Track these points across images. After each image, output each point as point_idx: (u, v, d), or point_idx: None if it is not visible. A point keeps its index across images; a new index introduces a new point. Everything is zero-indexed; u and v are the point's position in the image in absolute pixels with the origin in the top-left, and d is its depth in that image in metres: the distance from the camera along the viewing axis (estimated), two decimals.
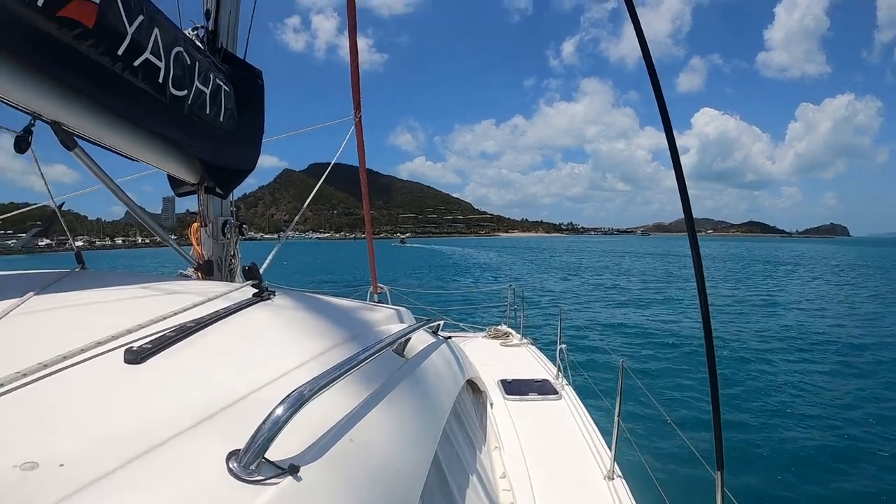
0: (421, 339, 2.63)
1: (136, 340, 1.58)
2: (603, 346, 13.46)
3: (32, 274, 2.99)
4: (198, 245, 4.62)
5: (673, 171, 2.55)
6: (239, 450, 1.04)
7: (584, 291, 38.83)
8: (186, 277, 4.50)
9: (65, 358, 1.34)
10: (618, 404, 4.74)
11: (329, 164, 6.62)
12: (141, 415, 1.19)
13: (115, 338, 1.55)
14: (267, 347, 1.84)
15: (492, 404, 4.65)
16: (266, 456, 1.04)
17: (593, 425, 5.41)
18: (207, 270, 4.54)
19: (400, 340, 2.16)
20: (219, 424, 1.19)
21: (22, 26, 2.34)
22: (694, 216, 2.55)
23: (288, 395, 1.14)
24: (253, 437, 1.03)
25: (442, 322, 3.48)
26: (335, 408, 1.40)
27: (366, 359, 1.54)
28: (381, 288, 9.95)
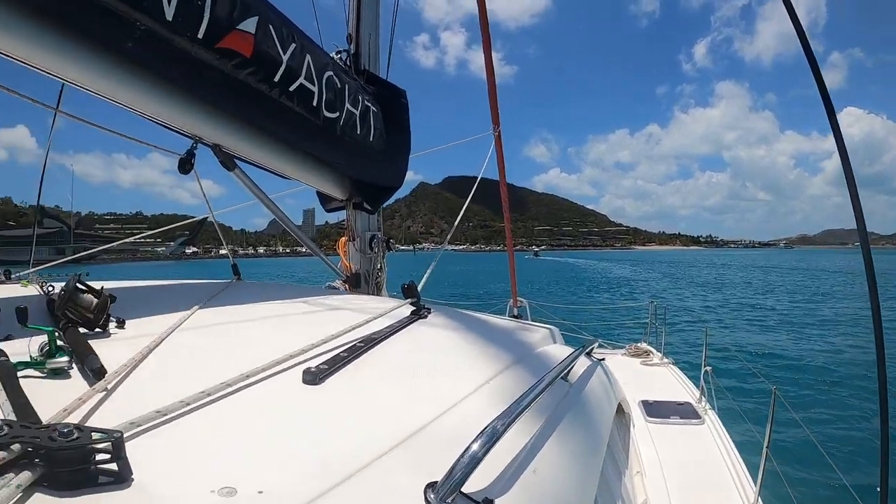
0: (580, 362, 2.59)
1: (310, 359, 1.61)
2: (750, 370, 12.57)
3: (194, 285, 3.14)
4: (346, 258, 4.79)
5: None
6: (436, 482, 1.02)
7: (727, 310, 36.43)
8: (335, 289, 4.65)
9: (246, 377, 1.37)
10: (767, 434, 4.48)
11: (465, 177, 6.75)
12: (329, 439, 1.18)
13: (292, 356, 1.57)
14: (437, 370, 1.82)
15: (633, 426, 4.53)
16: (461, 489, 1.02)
17: (737, 454, 5.07)
18: (355, 283, 4.70)
19: (569, 365, 2.11)
20: (409, 454, 1.16)
21: (185, 58, 2.53)
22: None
23: (483, 431, 1.11)
24: (451, 471, 1.00)
25: (596, 344, 3.42)
26: (515, 437, 1.34)
27: (545, 388, 1.51)
28: (521, 301, 9.80)
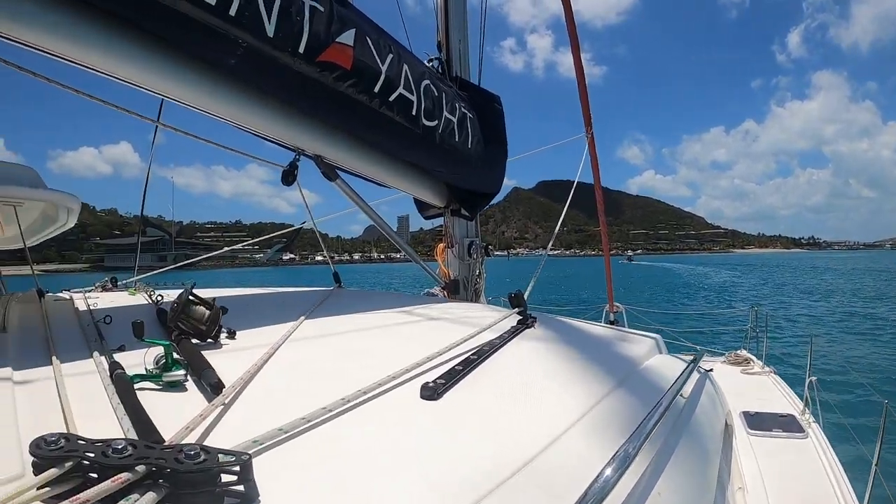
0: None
1: (425, 373, 1.61)
2: (860, 382, 11.81)
3: (298, 293, 3.19)
4: (444, 265, 4.80)
5: None
6: None
7: (834, 317, 34.50)
8: (433, 296, 4.67)
9: (364, 393, 1.37)
10: (876, 451, 4.24)
11: (559, 181, 6.79)
12: (454, 458, 1.15)
13: (407, 370, 1.57)
14: (551, 385, 1.78)
15: (735, 438, 4.39)
16: None
17: (843, 472, 4.82)
18: (454, 289, 4.70)
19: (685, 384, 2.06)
20: (537, 476, 1.13)
21: (287, 72, 2.60)
22: None
23: (615, 455, 1.10)
24: (584, 497, 0.98)
25: (703, 354, 3.32)
26: (639, 458, 1.26)
27: (667, 408, 1.50)
28: (617, 307, 9.63)
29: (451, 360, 1.74)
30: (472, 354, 1.81)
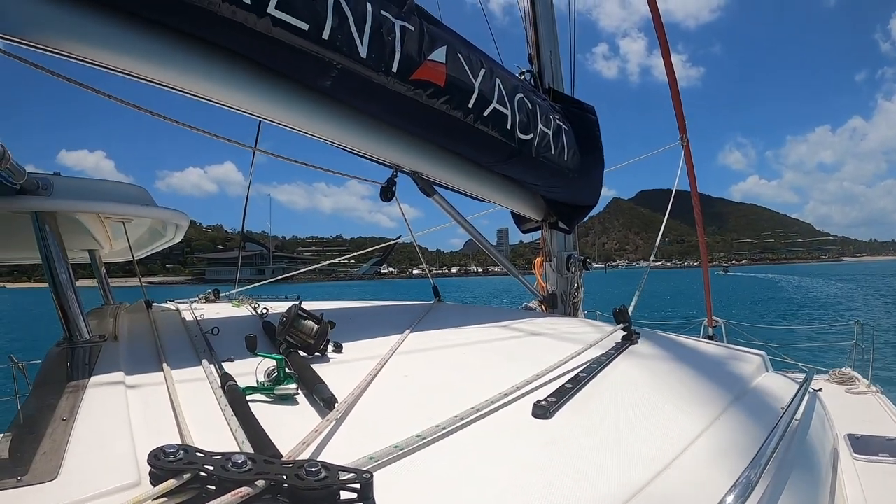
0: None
1: (535, 390, 1.59)
2: None
3: (399, 307, 3.23)
4: (541, 279, 4.76)
5: None
6: None
7: None
8: (531, 310, 4.64)
9: (477, 410, 1.36)
10: None
11: (659, 190, 6.65)
12: (569, 480, 1.12)
13: (518, 388, 1.56)
14: (660, 406, 1.73)
15: (840, 462, 4.17)
16: None
17: None
18: (552, 304, 4.66)
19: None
20: (655, 499, 1.10)
21: (381, 92, 2.63)
22: None
23: (736, 483, 1.08)
24: None
25: (813, 374, 3.20)
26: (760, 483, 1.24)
27: (784, 433, 1.46)
28: (716, 321, 9.36)
29: (559, 377, 1.72)
30: (580, 372, 1.79)
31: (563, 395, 1.52)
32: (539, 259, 4.80)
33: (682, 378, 2.09)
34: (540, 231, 4.87)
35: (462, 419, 1.29)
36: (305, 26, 2.22)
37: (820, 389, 2.93)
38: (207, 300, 3.93)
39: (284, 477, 0.85)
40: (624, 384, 1.86)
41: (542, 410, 1.41)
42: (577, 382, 1.66)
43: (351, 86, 2.56)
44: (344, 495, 0.87)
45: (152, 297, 3.78)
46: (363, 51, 2.45)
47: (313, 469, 0.86)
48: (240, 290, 4.24)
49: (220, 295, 4.08)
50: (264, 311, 2.86)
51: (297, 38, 2.23)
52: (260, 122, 2.93)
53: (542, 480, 1.09)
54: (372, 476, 0.88)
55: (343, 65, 2.42)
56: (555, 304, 4.69)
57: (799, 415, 2.00)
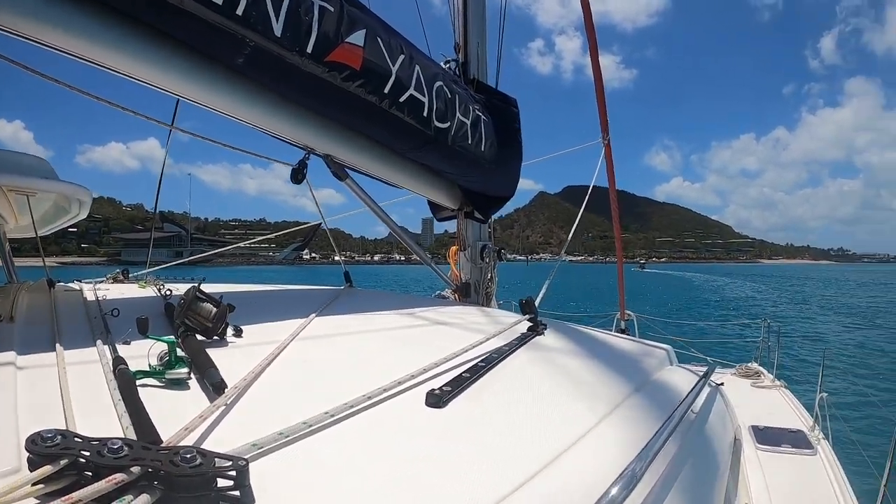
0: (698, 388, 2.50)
1: (431, 379, 1.59)
2: (874, 400, 11.66)
3: (307, 291, 3.20)
4: (456, 268, 4.80)
5: None
6: None
7: (851, 331, 33.92)
8: (444, 298, 4.67)
9: (368, 398, 1.36)
10: (886, 472, 4.18)
11: (585, 186, 6.63)
12: (456, 470, 1.13)
13: (413, 377, 1.56)
14: (559, 396, 1.76)
15: (743, 453, 4.34)
16: None
17: (852, 492, 4.77)
18: (465, 293, 4.70)
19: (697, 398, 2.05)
20: (540, 494, 1.09)
21: (295, 72, 2.61)
22: None
23: (622, 474, 1.10)
24: None
25: (716, 368, 3.30)
26: (647, 476, 1.26)
27: (676, 425, 1.48)
28: (629, 315, 9.62)
29: (458, 366, 1.73)
30: (479, 361, 1.80)
31: (458, 385, 1.53)
32: (454, 248, 4.83)
33: (583, 370, 2.12)
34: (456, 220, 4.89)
35: (352, 406, 1.29)
36: (220, 0, 2.18)
37: (721, 384, 3.01)
38: (115, 280, 3.80)
39: (160, 463, 0.84)
40: (523, 375, 1.88)
41: (435, 399, 1.41)
42: (475, 372, 1.67)
43: (264, 64, 2.52)
44: (221, 482, 0.86)
45: (66, 277, 3.66)
46: (278, 29, 2.41)
47: (188, 455, 0.85)
48: (151, 270, 4.14)
49: (129, 276, 3.97)
50: (168, 292, 2.81)
51: (211, 13, 2.19)
52: (178, 101, 2.86)
53: (427, 470, 1.10)
54: (248, 463, 0.88)
55: (256, 42, 2.38)
56: (468, 294, 4.73)
57: (697, 407, 2.07)
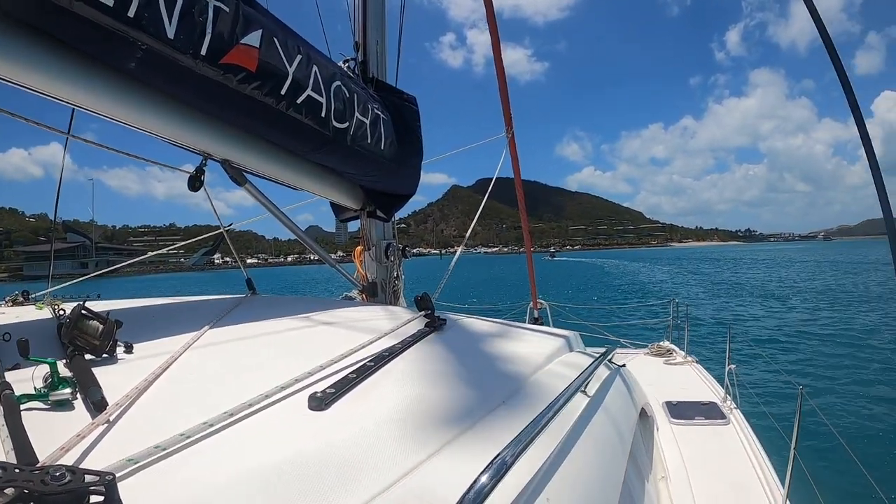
0: (599, 371, 2.53)
1: (317, 382, 1.60)
2: (778, 369, 12.30)
3: (206, 301, 3.15)
4: (361, 268, 4.84)
5: (860, 165, 2.20)
6: None
7: (755, 306, 35.45)
8: (351, 299, 4.69)
9: (250, 405, 1.36)
10: (794, 436, 4.40)
11: (498, 179, 6.73)
12: (330, 470, 1.14)
13: (297, 381, 1.55)
14: (450, 390, 1.77)
15: (657, 428, 4.48)
16: None
17: (765, 457, 4.93)
18: (371, 292, 4.74)
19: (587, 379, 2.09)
20: (412, 487, 1.13)
21: (189, 75, 2.56)
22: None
23: (491, 462, 1.11)
24: None
25: (616, 349, 3.37)
26: (528, 462, 1.29)
27: (559, 409, 1.51)
28: (541, 304, 9.77)
29: (346, 367, 1.74)
30: (368, 361, 1.81)
31: (343, 386, 1.54)
32: (359, 248, 4.87)
33: (477, 363, 2.16)
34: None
35: (232, 415, 1.29)
36: (111, 2, 2.12)
37: (623, 364, 3.11)
38: (14, 303, 3.65)
39: (32, 483, 0.85)
40: (415, 372, 1.89)
41: (318, 402, 1.42)
42: (362, 372, 1.69)
43: (157, 68, 2.46)
44: (93, 499, 0.88)
45: None
46: (171, 31, 2.36)
47: (58, 474, 0.87)
48: (52, 289, 4.01)
49: (30, 297, 3.80)
50: (62, 311, 2.75)
51: (101, 15, 2.12)
52: (74, 109, 2.77)
53: (306, 473, 1.12)
54: (115, 478, 0.89)
55: (148, 45, 2.32)
56: (375, 293, 4.76)
57: (593, 390, 2.15)
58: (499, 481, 1.06)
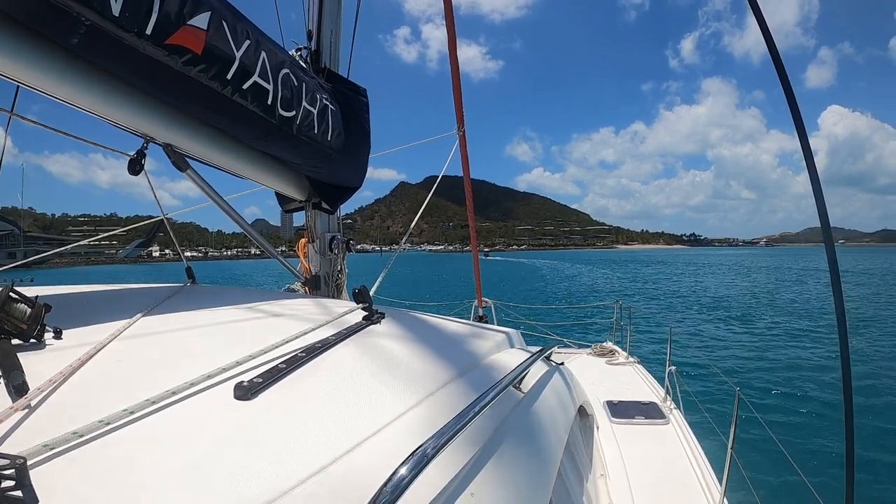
0: (536, 368, 2.53)
1: (246, 371, 1.59)
2: (717, 370, 12.73)
3: (144, 289, 3.10)
4: (305, 260, 4.82)
5: (804, 176, 2.30)
6: None
7: (696, 310, 36.44)
8: (294, 292, 4.66)
9: (173, 393, 1.34)
10: (731, 435, 4.52)
11: (446, 177, 6.79)
12: (251, 459, 1.15)
13: (224, 370, 1.54)
14: (379, 382, 1.76)
15: (597, 427, 4.55)
16: None
17: (703, 455, 5.20)
18: (314, 285, 4.72)
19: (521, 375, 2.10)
20: (333, 478, 1.13)
21: (133, 55, 2.50)
22: (819, 225, 2.27)
23: (412, 454, 1.11)
24: (374, 499, 0.99)
25: (555, 347, 3.39)
26: (454, 457, 1.33)
27: (488, 403, 1.51)
28: (486, 302, 9.92)
29: (278, 358, 1.73)
30: (301, 352, 1.81)
31: (272, 376, 1.54)
32: (303, 240, 4.85)
33: (412, 357, 2.15)
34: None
35: (154, 402, 1.28)
36: None
37: (562, 363, 3.14)
38: None
39: None
40: (347, 364, 1.90)
41: (243, 391, 1.42)
42: (293, 363, 1.69)
43: (100, 46, 2.38)
44: (5, 483, 0.86)
45: None
46: (116, 8, 2.29)
47: None
48: None
49: None
50: None
51: None
52: (18, 87, 2.68)
53: (224, 462, 1.12)
54: (25, 461, 0.88)
55: (92, 21, 2.25)
56: (318, 286, 4.75)
57: (528, 386, 2.17)
58: (418, 473, 1.06)
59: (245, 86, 3.05)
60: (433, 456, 1.13)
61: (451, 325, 3.08)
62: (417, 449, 1.13)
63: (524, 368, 2.13)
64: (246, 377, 1.52)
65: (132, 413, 1.22)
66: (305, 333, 2.06)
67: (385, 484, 1.02)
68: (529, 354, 2.54)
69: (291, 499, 1.04)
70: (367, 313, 2.54)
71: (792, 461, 5.05)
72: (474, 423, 1.38)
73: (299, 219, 4.99)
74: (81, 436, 1.09)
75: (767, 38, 2.38)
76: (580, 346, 10.24)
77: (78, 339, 1.85)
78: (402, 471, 1.05)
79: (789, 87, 2.38)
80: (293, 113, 3.45)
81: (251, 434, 1.26)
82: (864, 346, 21.89)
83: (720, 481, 4.47)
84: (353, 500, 1.05)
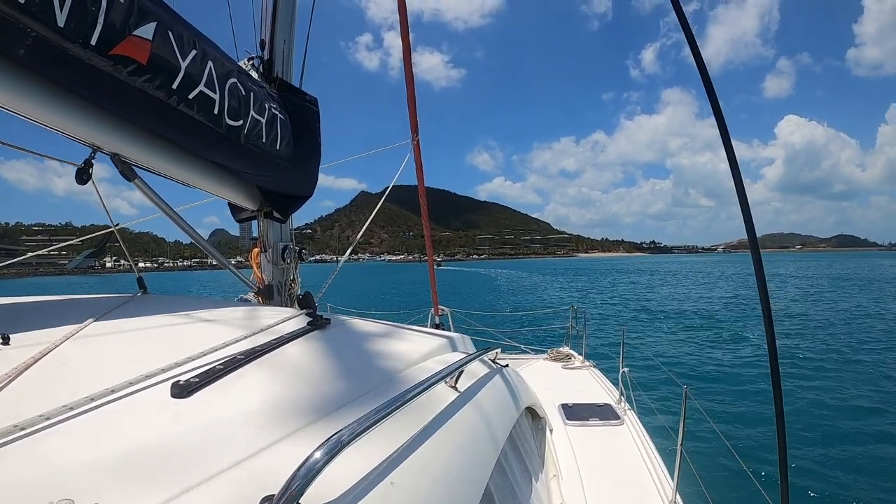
0: (477, 369, 2.63)
1: (186, 372, 1.63)
2: (667, 371, 13.04)
3: (93, 298, 3.10)
4: (258, 270, 4.82)
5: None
6: (273, 495, 1.04)
7: (647, 314, 37.44)
8: (247, 302, 4.66)
9: (112, 391, 1.39)
10: (681, 432, 4.64)
11: (407, 186, 6.86)
12: (180, 452, 1.20)
13: (164, 370, 1.59)
14: (316, 382, 1.83)
15: (551, 430, 4.61)
16: (300, 502, 1.03)
17: (656, 453, 5.37)
18: (268, 295, 4.72)
19: (454, 373, 2.16)
20: (255, 467, 1.20)
21: (79, 65, 2.52)
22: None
23: (327, 440, 1.15)
24: (287, 484, 1.02)
25: (499, 350, 3.45)
26: (378, 449, 1.39)
27: (411, 398, 1.55)
28: (443, 310, 9.99)
29: (218, 360, 1.78)
30: (239, 355, 1.86)
31: (209, 377, 1.59)
32: (255, 250, 4.85)
33: (353, 359, 2.23)
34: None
35: (93, 399, 1.33)
36: None
37: (506, 365, 3.20)
38: None
39: None
40: (285, 366, 1.94)
41: (180, 390, 1.47)
42: (231, 364, 1.74)
43: (46, 57, 2.42)
44: None
45: None
46: (61, 19, 2.33)
47: None
48: None
49: None
50: None
51: None
52: None
53: (158, 455, 1.17)
54: None
55: (38, 32, 2.29)
56: (271, 296, 4.76)
57: (465, 386, 2.23)
58: (332, 458, 1.10)
59: (191, 95, 3.07)
60: (348, 442, 1.18)
61: (397, 330, 3.13)
62: (333, 435, 1.18)
63: (457, 367, 2.20)
64: (184, 377, 1.56)
65: (72, 409, 1.27)
66: (247, 337, 2.12)
67: (299, 468, 1.06)
68: (468, 355, 2.60)
69: (215, 483, 1.10)
70: (311, 319, 2.58)
71: (734, 451, 5.17)
72: (401, 418, 1.45)
73: (255, 229, 5.00)
74: (22, 429, 1.14)
75: (697, 58, 2.50)
76: (537, 352, 10.35)
77: (25, 343, 1.87)
78: (317, 455, 1.09)
79: (717, 104, 2.51)
80: (240, 122, 3.47)
81: (185, 429, 1.31)
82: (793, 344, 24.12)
83: (672, 477, 4.61)
84: (271, 484, 1.09)
